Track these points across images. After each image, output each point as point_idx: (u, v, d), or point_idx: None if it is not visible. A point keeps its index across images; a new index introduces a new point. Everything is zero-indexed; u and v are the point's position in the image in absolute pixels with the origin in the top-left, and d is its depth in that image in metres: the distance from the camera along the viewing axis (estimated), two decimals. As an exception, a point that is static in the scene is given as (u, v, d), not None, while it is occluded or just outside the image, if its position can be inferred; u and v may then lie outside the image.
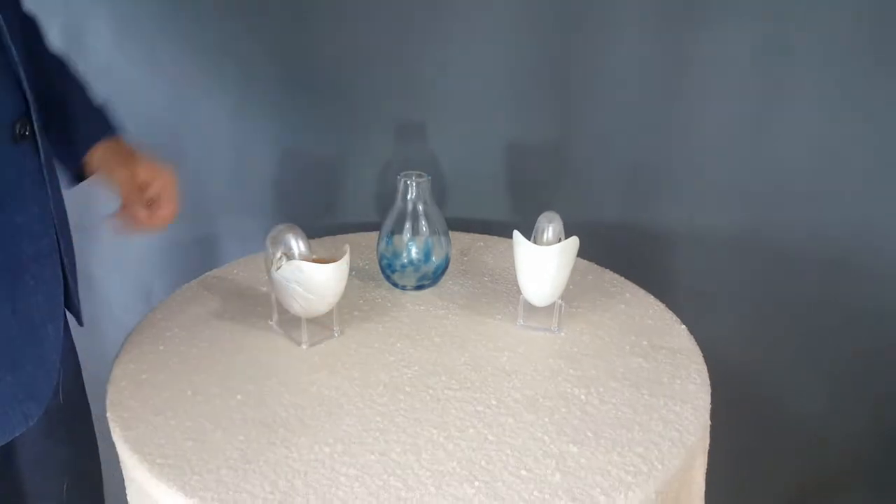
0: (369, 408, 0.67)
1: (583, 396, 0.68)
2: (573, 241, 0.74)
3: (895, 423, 1.10)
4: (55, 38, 0.93)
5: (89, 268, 1.09)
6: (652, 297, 0.86)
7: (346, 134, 1.03)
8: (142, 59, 0.96)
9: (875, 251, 0.99)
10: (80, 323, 0.72)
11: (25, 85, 0.59)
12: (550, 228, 0.77)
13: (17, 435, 0.62)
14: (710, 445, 0.70)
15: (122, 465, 0.65)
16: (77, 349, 1.21)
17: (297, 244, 0.73)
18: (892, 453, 1.12)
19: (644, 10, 0.92)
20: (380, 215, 1.05)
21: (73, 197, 1.03)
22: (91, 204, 1.05)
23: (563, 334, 0.79)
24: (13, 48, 0.58)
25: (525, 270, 0.76)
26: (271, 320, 0.80)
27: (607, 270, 0.92)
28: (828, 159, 0.96)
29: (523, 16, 0.95)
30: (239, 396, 0.68)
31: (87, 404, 0.78)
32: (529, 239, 0.76)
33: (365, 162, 1.05)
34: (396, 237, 0.84)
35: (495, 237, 1.02)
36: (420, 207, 0.83)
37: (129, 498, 0.66)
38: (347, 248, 0.72)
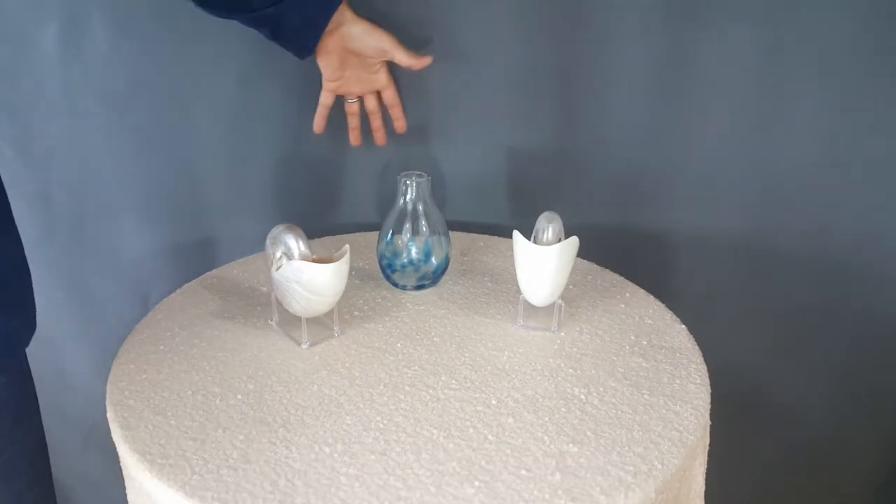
0: (369, 407, 0.67)
1: (582, 396, 0.69)
2: (573, 241, 0.74)
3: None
4: (51, 38, 0.94)
5: (85, 271, 1.09)
6: (652, 297, 0.86)
7: (346, 134, 1.03)
8: (140, 60, 0.96)
9: (877, 253, 0.99)
10: (33, 325, 0.71)
11: None
12: (550, 229, 0.77)
13: None
14: (710, 445, 0.70)
15: (122, 464, 0.65)
16: (73, 356, 1.20)
17: (297, 244, 0.73)
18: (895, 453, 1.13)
19: (645, 13, 0.92)
20: (380, 215, 1.05)
21: (68, 199, 1.04)
22: (87, 206, 1.05)
23: (562, 334, 0.79)
24: None
25: (525, 270, 0.76)
26: (271, 320, 0.80)
27: (607, 270, 0.93)
28: (830, 161, 0.96)
29: (524, 17, 0.95)
30: (239, 396, 0.68)
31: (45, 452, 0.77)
32: (529, 239, 0.76)
33: (365, 162, 1.05)
34: (396, 237, 0.84)
35: (495, 237, 1.02)
36: (420, 207, 0.83)
37: (129, 498, 0.66)
38: (347, 248, 0.72)
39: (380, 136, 0.96)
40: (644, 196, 1.02)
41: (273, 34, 0.83)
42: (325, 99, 0.91)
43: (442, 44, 0.97)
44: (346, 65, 0.87)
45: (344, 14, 0.83)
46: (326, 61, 0.86)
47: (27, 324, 0.68)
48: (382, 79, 0.90)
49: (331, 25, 0.82)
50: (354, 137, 0.96)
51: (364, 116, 0.97)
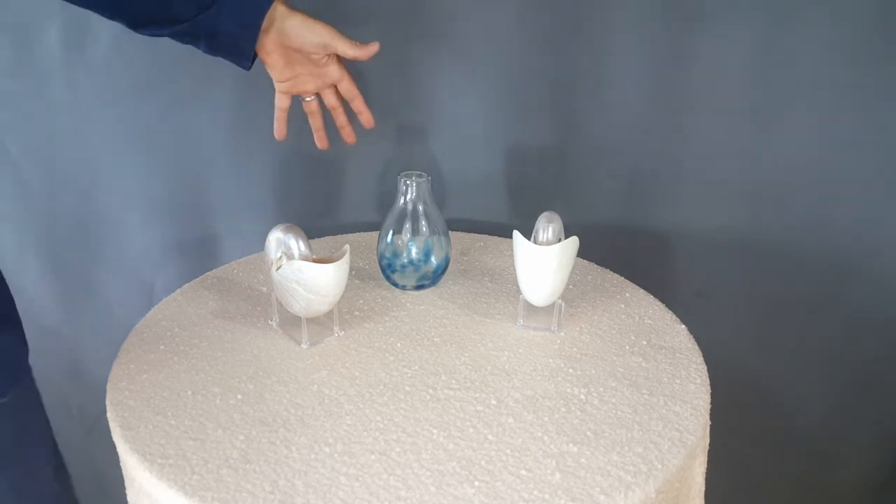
0: (369, 407, 0.67)
1: (582, 396, 0.69)
2: (573, 241, 0.74)
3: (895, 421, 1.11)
4: (53, 39, 0.94)
5: (89, 268, 1.09)
6: (651, 296, 0.87)
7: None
8: (141, 59, 0.96)
9: (875, 251, 1.00)
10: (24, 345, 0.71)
11: None
12: (550, 228, 0.77)
13: None
14: (710, 445, 0.70)
15: (122, 464, 0.65)
16: (77, 351, 1.21)
17: (298, 244, 0.73)
18: (894, 448, 1.13)
19: (645, 13, 0.92)
20: (380, 215, 1.06)
21: (73, 196, 1.04)
22: (90, 204, 1.05)
23: (562, 334, 0.79)
24: None
25: (525, 270, 0.76)
26: (271, 320, 0.80)
27: (607, 270, 0.93)
28: (828, 159, 0.96)
29: (524, 18, 0.95)
30: (239, 396, 0.68)
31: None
32: (529, 239, 0.76)
33: (365, 162, 1.05)
34: (396, 237, 0.84)
35: (495, 237, 1.02)
36: (420, 207, 0.83)
37: (129, 497, 0.66)
38: (347, 248, 0.72)
39: (347, 132, 0.88)
40: (644, 195, 1.03)
41: (210, 47, 0.77)
42: (280, 102, 0.85)
43: (442, 44, 0.97)
44: (291, 63, 0.80)
45: (276, 9, 0.76)
46: (271, 62, 0.80)
47: (21, 342, 0.68)
48: (334, 71, 0.83)
49: (264, 24, 0.76)
50: (319, 139, 0.89)
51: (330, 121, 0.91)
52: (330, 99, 0.86)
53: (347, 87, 0.84)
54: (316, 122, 0.88)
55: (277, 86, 0.83)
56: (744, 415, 1.12)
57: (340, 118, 0.87)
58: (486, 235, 1.02)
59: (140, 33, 0.75)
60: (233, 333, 0.78)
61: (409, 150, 1.04)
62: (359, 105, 0.86)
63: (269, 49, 0.78)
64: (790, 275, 1.03)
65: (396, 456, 0.61)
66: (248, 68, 0.80)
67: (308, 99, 0.85)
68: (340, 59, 0.83)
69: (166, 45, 0.95)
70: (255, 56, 0.79)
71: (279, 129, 0.87)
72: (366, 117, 0.87)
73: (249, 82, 0.99)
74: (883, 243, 0.99)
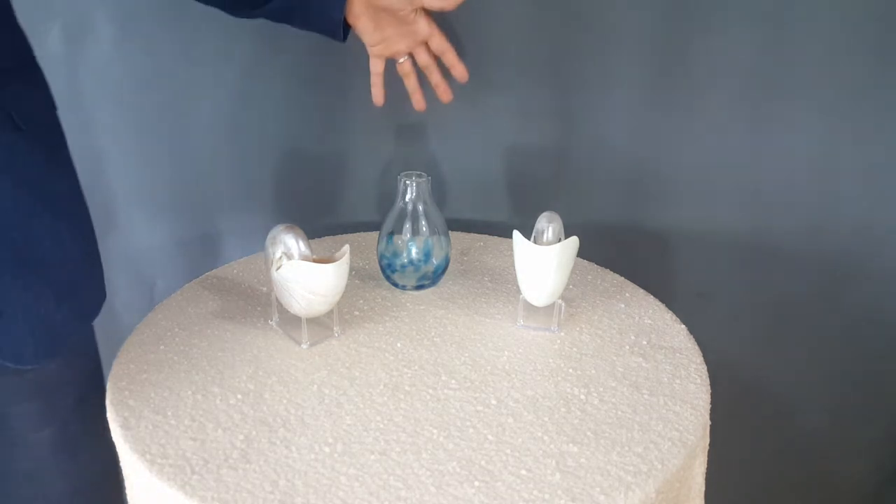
0: (369, 407, 0.67)
1: (582, 396, 0.69)
2: (573, 241, 0.74)
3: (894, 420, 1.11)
4: (55, 37, 0.94)
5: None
6: (651, 297, 0.87)
7: (347, 134, 1.03)
8: (142, 59, 0.96)
9: (875, 252, 1.00)
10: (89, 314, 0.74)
11: None
12: (550, 229, 0.77)
13: None
14: (710, 445, 0.70)
15: (121, 464, 0.65)
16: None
17: (297, 244, 0.73)
18: (894, 449, 1.13)
19: (645, 13, 0.92)
20: (380, 215, 1.06)
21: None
22: (91, 203, 1.05)
23: (562, 334, 0.79)
24: None
25: (525, 270, 0.76)
26: (271, 320, 0.80)
27: (607, 270, 0.93)
28: (828, 160, 0.96)
29: (524, 18, 0.95)
30: (239, 396, 0.68)
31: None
32: (529, 239, 0.76)
33: (365, 162, 1.05)
34: (396, 237, 0.84)
35: (495, 237, 1.02)
36: (420, 207, 0.83)
37: (128, 497, 0.66)
38: (347, 247, 0.72)
39: (443, 90, 0.88)
40: (644, 195, 1.03)
41: (303, 20, 0.80)
42: (375, 67, 0.85)
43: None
44: (381, 24, 0.81)
45: None
46: (360, 27, 0.81)
47: (79, 313, 0.71)
48: (423, 27, 0.82)
49: None
50: (417, 101, 0.88)
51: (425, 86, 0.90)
52: (423, 57, 0.85)
53: (438, 42, 0.84)
54: (411, 84, 0.87)
55: (370, 50, 0.84)
56: (744, 415, 1.12)
57: (435, 76, 0.87)
58: (486, 235, 1.02)
59: (236, 16, 0.79)
60: (233, 333, 0.78)
61: (409, 150, 1.04)
62: (451, 58, 0.85)
63: (358, 13, 0.80)
64: (790, 275, 1.03)
65: (396, 456, 0.61)
66: (343, 39, 0.81)
67: (401, 60, 0.85)
68: (428, 14, 0.82)
69: (166, 45, 0.96)
70: (347, 27, 0.81)
71: (377, 94, 0.87)
72: (459, 70, 0.86)
73: (250, 82, 0.99)
74: (883, 243, 0.99)
